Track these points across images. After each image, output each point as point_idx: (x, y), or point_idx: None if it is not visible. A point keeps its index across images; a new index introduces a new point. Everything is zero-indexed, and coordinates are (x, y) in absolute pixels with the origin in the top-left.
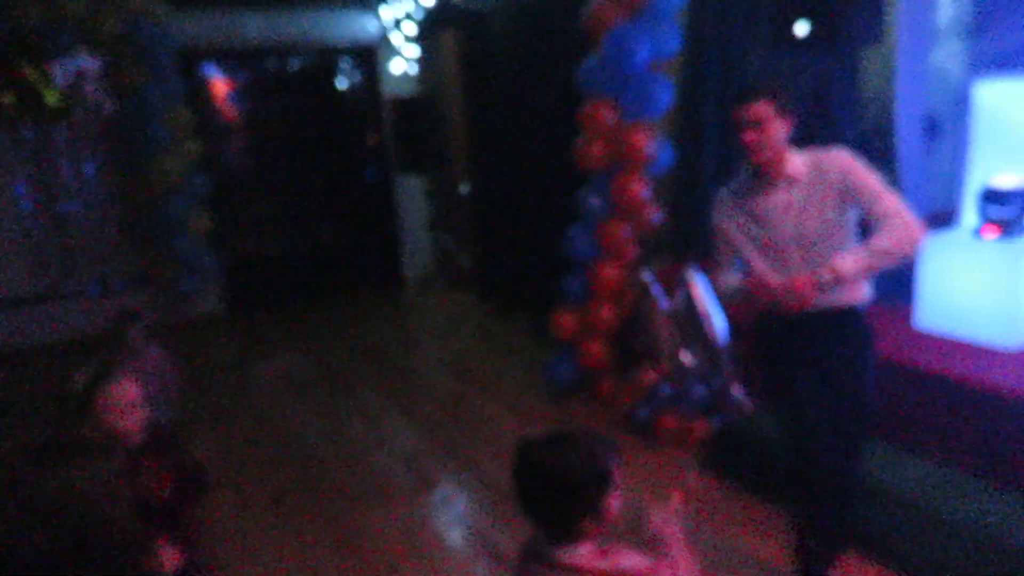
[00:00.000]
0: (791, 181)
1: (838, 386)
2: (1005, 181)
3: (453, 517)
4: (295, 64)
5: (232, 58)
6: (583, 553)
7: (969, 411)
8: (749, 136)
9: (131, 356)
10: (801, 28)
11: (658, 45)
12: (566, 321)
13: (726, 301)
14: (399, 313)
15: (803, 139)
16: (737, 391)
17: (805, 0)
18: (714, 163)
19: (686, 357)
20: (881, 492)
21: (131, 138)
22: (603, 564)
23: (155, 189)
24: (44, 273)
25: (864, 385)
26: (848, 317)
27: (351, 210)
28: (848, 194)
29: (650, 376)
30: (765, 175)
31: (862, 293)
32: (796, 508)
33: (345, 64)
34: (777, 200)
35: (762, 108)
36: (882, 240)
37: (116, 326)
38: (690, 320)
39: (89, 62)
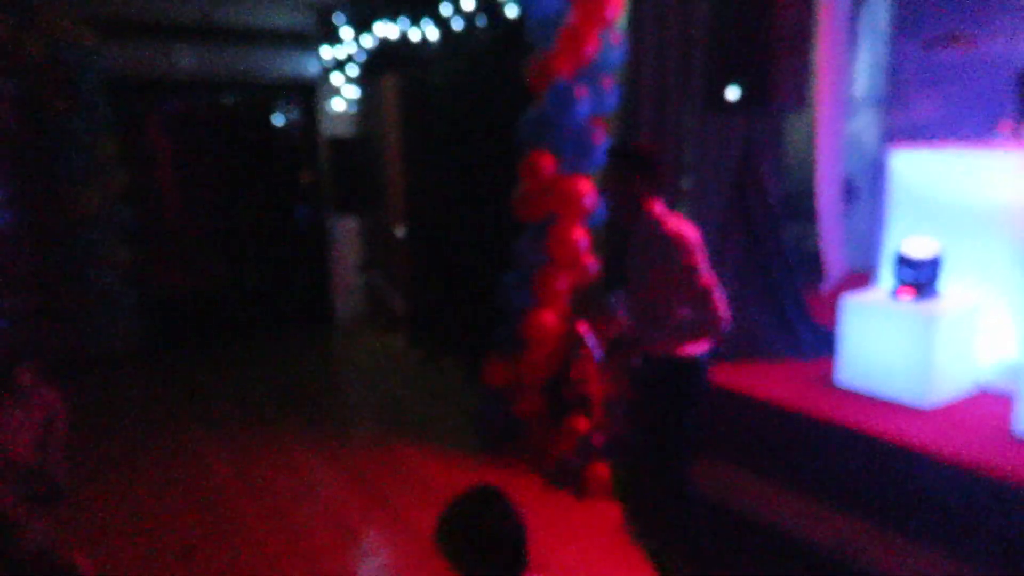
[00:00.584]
0: (639, 242)
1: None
2: (918, 246)
3: (379, 572)
4: (230, 99)
5: (165, 89)
6: None
7: (881, 465)
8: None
9: (19, 397)
10: (732, 93)
11: (598, 101)
12: (498, 369)
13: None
14: (327, 355)
15: (733, 198)
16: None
17: (736, 66)
18: None
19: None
20: (797, 543)
21: (50, 166)
22: None
23: (71, 219)
24: None
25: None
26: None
27: (282, 248)
28: (663, 266)
29: (581, 425)
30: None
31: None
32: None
33: (282, 101)
34: (631, 251)
35: (610, 167)
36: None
37: (4, 364)
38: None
39: (5, 85)
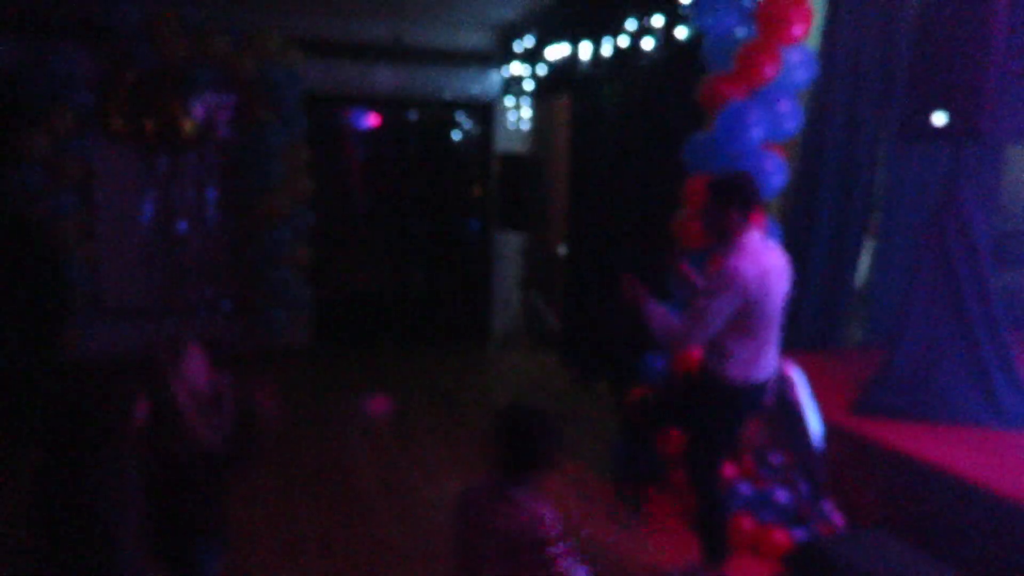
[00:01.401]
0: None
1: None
2: None
3: None
4: (414, 114)
5: (356, 105)
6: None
7: None
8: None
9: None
10: (939, 119)
11: (775, 124)
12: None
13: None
14: (481, 368)
15: (931, 236)
16: (827, 503)
17: (944, 90)
18: (825, 249)
19: (775, 457)
20: None
21: (250, 171)
22: (533, 504)
23: (263, 221)
24: (155, 288)
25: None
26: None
27: (448, 259)
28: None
29: (730, 472)
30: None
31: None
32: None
33: (461, 118)
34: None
35: (708, 198)
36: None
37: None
38: (783, 417)
39: (224, 98)
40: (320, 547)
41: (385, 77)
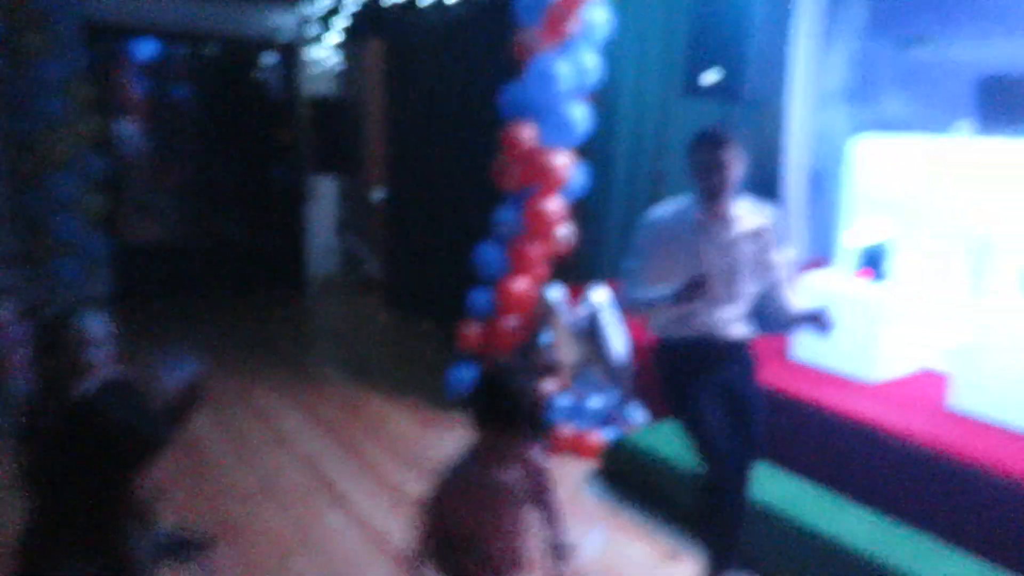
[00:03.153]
0: (733, 221)
1: (746, 411)
2: (872, 230)
3: (350, 516)
4: (210, 52)
5: (144, 38)
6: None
7: (831, 435)
8: (715, 177)
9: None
10: (708, 77)
11: (581, 76)
12: (472, 333)
13: (643, 309)
14: (301, 314)
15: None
16: (633, 406)
17: (714, 53)
18: (624, 190)
19: (589, 370)
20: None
21: (23, 110)
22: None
23: (44, 166)
24: None
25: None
26: (748, 349)
27: (257, 206)
28: (766, 249)
29: (550, 388)
30: (714, 212)
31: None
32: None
33: (263, 58)
34: (716, 236)
35: (728, 154)
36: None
37: None
38: (593, 336)
39: None
40: (155, 493)
41: (174, 8)
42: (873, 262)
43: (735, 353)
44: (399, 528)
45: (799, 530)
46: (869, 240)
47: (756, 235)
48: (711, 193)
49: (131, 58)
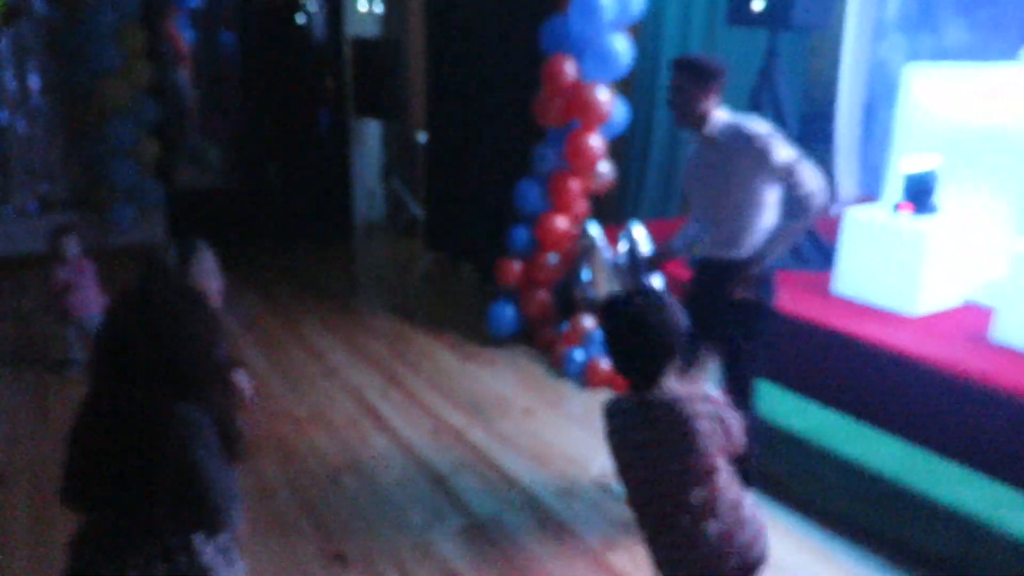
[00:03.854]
0: (711, 142)
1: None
2: (919, 162)
3: (393, 442)
4: None
5: None
6: (672, 387)
7: (872, 368)
8: (675, 100)
9: (68, 266)
10: (757, 4)
11: (623, 8)
12: (512, 270)
13: (684, 250)
14: (346, 257)
15: (750, 112)
16: None
17: None
18: (667, 128)
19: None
20: (788, 436)
21: (80, 56)
22: (692, 388)
23: (101, 111)
24: None
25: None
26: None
27: (303, 150)
28: (760, 164)
29: (588, 323)
30: (693, 134)
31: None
32: None
33: (307, 2)
34: (701, 159)
35: (682, 79)
36: (793, 222)
37: (52, 239)
38: (631, 273)
39: None
40: None
41: None
42: (918, 195)
43: (730, 273)
44: (438, 452)
45: (837, 459)
46: (914, 172)
47: (736, 152)
48: (676, 116)
49: (179, 5)
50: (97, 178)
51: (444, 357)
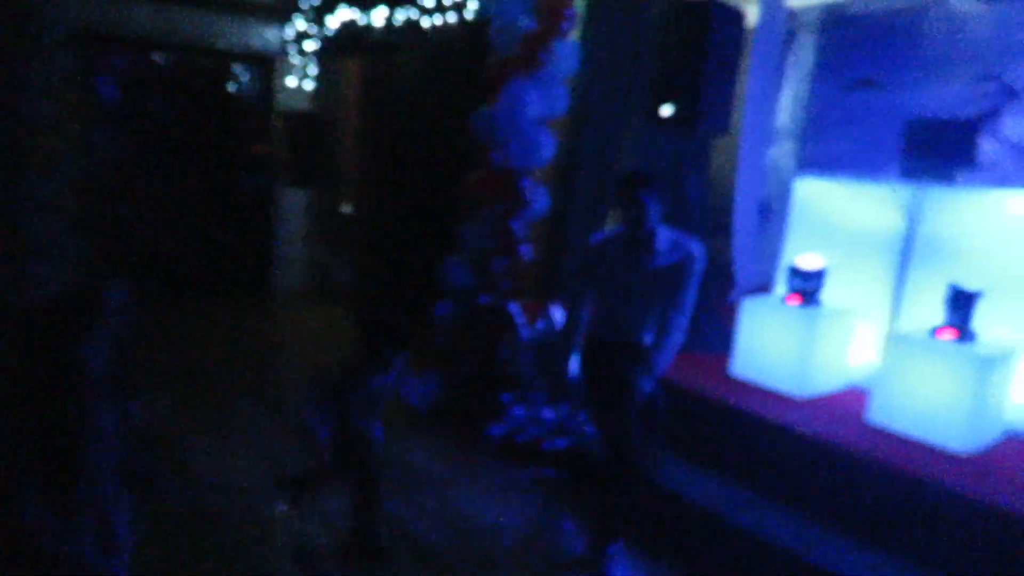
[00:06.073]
0: (655, 252)
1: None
2: (808, 261)
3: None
4: (189, 62)
5: (121, 45)
6: None
7: (764, 444)
8: (632, 212)
9: None
10: (666, 110)
11: (549, 104)
12: (434, 343)
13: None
14: (268, 322)
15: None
16: (582, 416)
17: (671, 88)
18: (583, 214)
19: (541, 383)
20: (687, 505)
21: (7, 111)
22: None
23: (25, 167)
24: None
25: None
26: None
27: (227, 215)
28: (679, 278)
29: (507, 399)
30: (636, 242)
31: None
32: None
33: (240, 71)
34: (637, 263)
35: (643, 193)
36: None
37: None
38: (548, 351)
39: None
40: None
41: (152, 18)
42: (806, 289)
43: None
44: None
45: (729, 528)
46: (803, 268)
47: (670, 268)
48: (629, 224)
49: (112, 65)
50: (15, 231)
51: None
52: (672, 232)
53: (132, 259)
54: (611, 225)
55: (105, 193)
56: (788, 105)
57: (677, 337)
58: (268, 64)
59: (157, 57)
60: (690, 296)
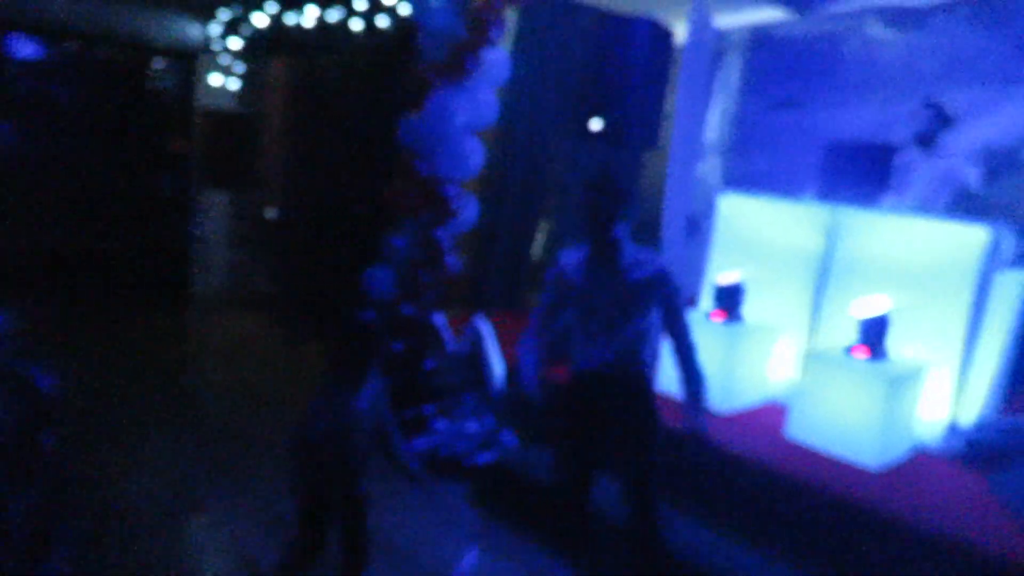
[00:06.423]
0: (623, 268)
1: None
2: (730, 277)
3: (214, 535)
4: (102, 54)
5: (30, 34)
6: None
7: (683, 459)
8: (595, 227)
9: None
10: (595, 124)
11: (477, 113)
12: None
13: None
14: (182, 330)
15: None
16: (506, 432)
17: (600, 102)
18: (514, 225)
19: (467, 396)
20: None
21: None
22: None
23: None
24: None
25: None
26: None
27: (144, 215)
28: (654, 294)
29: (430, 411)
30: (602, 258)
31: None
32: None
33: (161, 65)
34: (607, 282)
35: (609, 207)
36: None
37: None
38: (474, 363)
39: None
40: None
41: (69, 5)
42: (728, 305)
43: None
44: (266, 546)
45: None
46: (725, 284)
47: (644, 284)
48: (595, 238)
49: (15, 54)
50: None
51: (280, 444)
52: (636, 247)
53: (32, 261)
54: (541, 237)
55: (8, 189)
56: (716, 122)
57: (697, 352)
58: (190, 60)
59: (71, 47)
60: (684, 310)
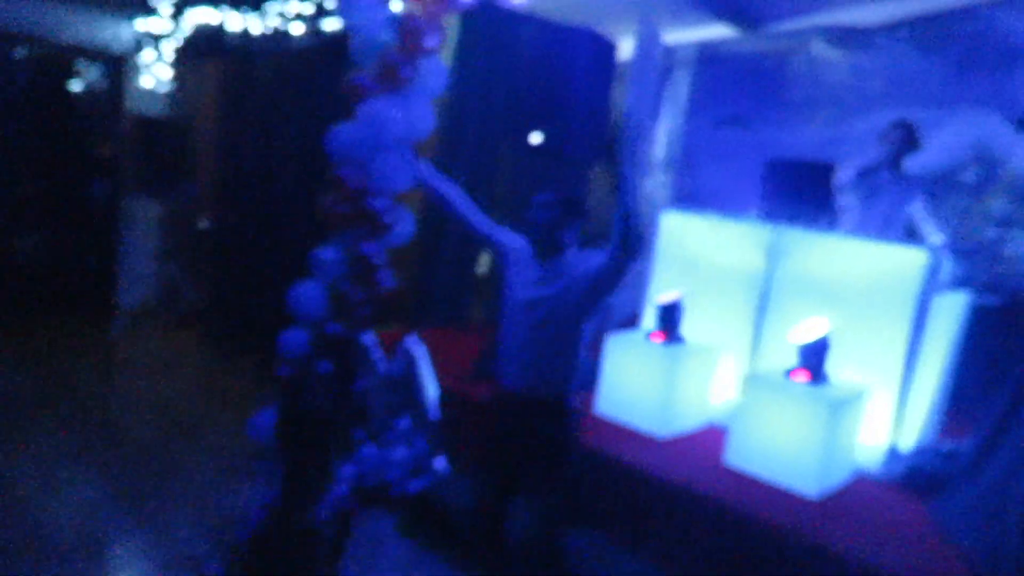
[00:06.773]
0: (560, 275)
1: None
2: (670, 296)
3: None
4: (21, 55)
5: None
6: None
7: (623, 487)
8: (540, 231)
9: None
10: (535, 138)
11: (410, 124)
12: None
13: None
14: (104, 346)
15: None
16: (439, 459)
17: (541, 115)
18: (452, 240)
19: (399, 421)
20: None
21: None
22: None
23: None
24: None
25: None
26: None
27: (65, 223)
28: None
29: (359, 437)
30: (547, 262)
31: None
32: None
33: (85, 68)
34: (545, 285)
35: (554, 212)
36: None
37: None
38: (405, 386)
39: None
40: None
41: None
42: (667, 325)
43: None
44: None
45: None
46: (665, 303)
47: (579, 283)
48: (539, 246)
49: None
50: None
51: (200, 469)
52: (581, 254)
53: None
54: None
55: None
56: (663, 138)
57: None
58: (119, 62)
59: None
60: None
